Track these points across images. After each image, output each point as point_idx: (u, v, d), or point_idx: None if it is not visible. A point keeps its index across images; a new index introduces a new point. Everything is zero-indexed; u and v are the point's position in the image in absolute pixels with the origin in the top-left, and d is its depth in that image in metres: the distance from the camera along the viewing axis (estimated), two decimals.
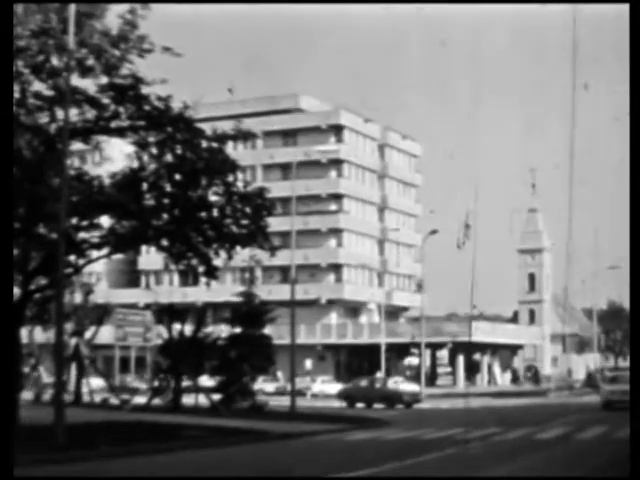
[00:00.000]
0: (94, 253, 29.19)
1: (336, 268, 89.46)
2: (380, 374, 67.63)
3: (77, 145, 28.61)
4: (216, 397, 39.44)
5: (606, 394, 42.74)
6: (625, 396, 33.95)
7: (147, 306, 62.89)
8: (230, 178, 28.66)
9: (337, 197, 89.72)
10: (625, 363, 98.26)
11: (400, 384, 52.23)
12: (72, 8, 23.08)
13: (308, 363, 68.15)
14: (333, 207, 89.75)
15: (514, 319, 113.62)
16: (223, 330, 41.88)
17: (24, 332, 38.79)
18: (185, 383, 40.18)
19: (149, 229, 28.31)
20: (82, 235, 28.28)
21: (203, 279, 30.26)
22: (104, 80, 26.15)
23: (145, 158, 27.99)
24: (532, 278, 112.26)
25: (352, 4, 41.09)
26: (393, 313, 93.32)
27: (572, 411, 41.01)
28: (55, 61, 25.26)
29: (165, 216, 28.14)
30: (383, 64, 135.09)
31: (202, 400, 39.90)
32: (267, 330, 41.94)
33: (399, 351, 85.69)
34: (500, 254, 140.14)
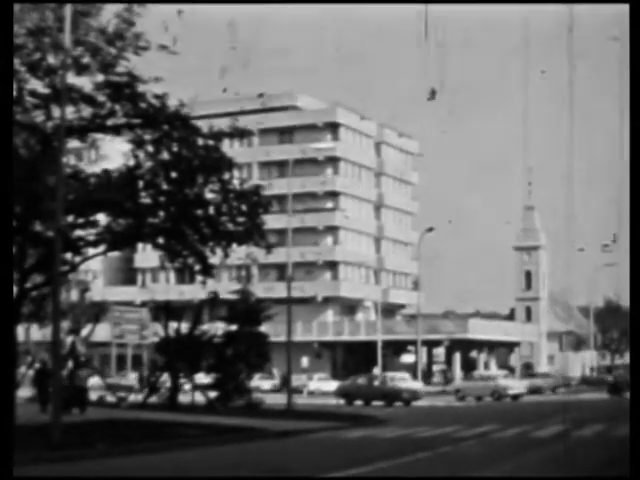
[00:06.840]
0: (90, 251, 29.21)
1: (332, 266, 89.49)
2: (377, 371, 67.63)
3: (73, 143, 28.67)
4: (212, 395, 39.47)
5: None
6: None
7: (143, 304, 62.83)
8: (226, 176, 28.68)
9: (333, 195, 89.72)
10: (621, 361, 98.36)
11: (399, 381, 52.19)
12: (68, 6, 23.08)
13: (304, 361, 68.17)
14: (329, 205, 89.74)
15: (511, 317, 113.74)
16: (219, 328, 41.85)
17: (20, 330, 38.83)
18: (181, 381, 40.21)
19: (145, 227, 28.34)
20: (78, 233, 28.32)
21: (199, 277, 30.29)
22: (100, 78, 26.20)
23: (141, 156, 28.02)
24: (529, 276, 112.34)
25: (351, 4, 40.95)
26: (390, 311, 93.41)
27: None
28: (51, 59, 25.30)
29: (161, 214, 28.17)
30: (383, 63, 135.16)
31: (198, 398, 39.94)
32: (263, 328, 41.93)
33: (395, 348, 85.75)
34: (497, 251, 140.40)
